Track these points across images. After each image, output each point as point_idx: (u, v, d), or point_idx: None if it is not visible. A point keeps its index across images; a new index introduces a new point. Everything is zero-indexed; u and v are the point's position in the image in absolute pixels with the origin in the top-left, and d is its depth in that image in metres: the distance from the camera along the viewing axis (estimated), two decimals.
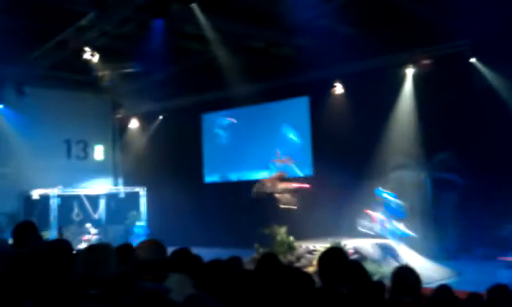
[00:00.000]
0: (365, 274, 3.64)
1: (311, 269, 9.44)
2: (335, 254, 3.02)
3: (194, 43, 13.26)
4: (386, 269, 9.20)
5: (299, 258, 11.30)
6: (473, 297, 4.09)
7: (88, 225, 16.22)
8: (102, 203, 18.06)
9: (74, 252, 3.78)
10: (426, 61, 12.21)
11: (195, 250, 4.57)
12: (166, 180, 16.44)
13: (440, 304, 3.77)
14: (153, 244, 3.17)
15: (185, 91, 16.37)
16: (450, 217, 12.41)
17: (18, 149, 15.87)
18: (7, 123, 16.09)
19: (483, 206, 11.83)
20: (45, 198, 16.20)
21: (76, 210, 17.09)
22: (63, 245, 3.63)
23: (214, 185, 17.54)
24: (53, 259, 3.36)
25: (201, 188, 17.55)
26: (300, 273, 4.01)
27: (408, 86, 12.96)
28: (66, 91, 17.50)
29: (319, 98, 14.57)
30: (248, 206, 15.05)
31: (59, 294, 2.91)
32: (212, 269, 3.74)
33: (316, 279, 3.95)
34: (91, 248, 3.02)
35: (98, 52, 12.46)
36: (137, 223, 15.15)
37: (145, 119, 18.89)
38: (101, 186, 18.54)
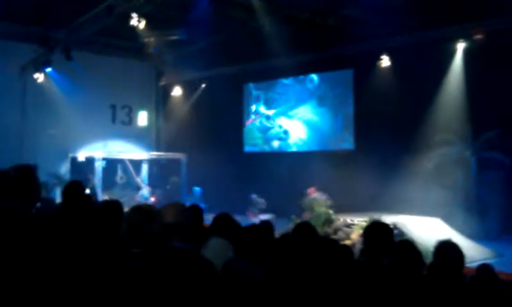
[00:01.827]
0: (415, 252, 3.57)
1: (348, 242, 9.43)
2: (380, 227, 3.01)
3: (239, 12, 13.17)
4: (424, 246, 9.07)
5: (336, 231, 11.28)
6: None
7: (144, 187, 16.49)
8: (145, 168, 18.48)
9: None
10: (478, 36, 11.72)
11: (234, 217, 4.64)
12: (206, 148, 16.64)
13: (482, 282, 3.71)
14: (177, 207, 3.20)
15: (228, 60, 16.37)
16: (494, 197, 12.07)
17: (66, 112, 16.36)
18: (56, 86, 16.57)
19: None
20: (90, 160, 16.72)
21: (120, 173, 17.57)
22: (114, 205, 3.76)
23: (253, 154, 17.63)
24: (103, 219, 3.49)
25: (241, 157, 17.67)
26: (338, 244, 4.02)
27: (458, 61, 12.52)
28: (112, 56, 17.86)
29: (364, 71, 14.26)
30: (287, 176, 15.12)
31: (105, 252, 3.02)
32: (249, 234, 3.81)
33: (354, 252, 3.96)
34: (137, 208, 3.10)
35: (145, 18, 12.56)
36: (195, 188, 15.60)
37: (188, 87, 19.04)
38: (144, 151, 18.96)
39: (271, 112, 17.39)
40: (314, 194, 13.44)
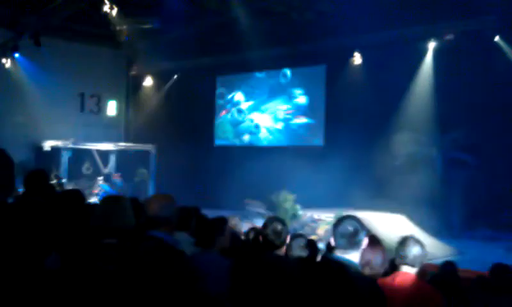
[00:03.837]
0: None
1: (314, 238, 9.49)
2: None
3: (214, 2, 13.07)
4: (388, 242, 9.22)
5: (302, 226, 11.39)
6: (480, 278, 4.12)
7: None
8: (113, 159, 18.19)
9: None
10: (449, 36, 11.96)
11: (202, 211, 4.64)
12: (176, 140, 16.50)
13: (445, 278, 3.81)
14: (166, 199, 3.18)
15: (201, 51, 16.24)
16: (458, 196, 12.36)
17: (32, 99, 15.96)
18: (22, 72, 16.15)
19: (492, 188, 11.78)
20: (56, 150, 16.36)
21: (87, 163, 17.25)
22: (76, 194, 3.69)
23: (224, 148, 17.58)
24: (68, 208, 3.42)
25: (212, 150, 17.59)
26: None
27: (428, 61, 12.73)
28: (82, 44, 17.46)
29: (336, 68, 14.38)
30: (257, 171, 15.12)
31: (77, 243, 2.96)
32: (211, 227, 3.83)
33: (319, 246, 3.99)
34: (109, 199, 3.06)
35: (117, 5, 12.35)
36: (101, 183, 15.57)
37: (160, 78, 18.83)
38: (112, 142, 18.66)
39: (242, 106, 17.36)
40: (118, 179, 15.13)
